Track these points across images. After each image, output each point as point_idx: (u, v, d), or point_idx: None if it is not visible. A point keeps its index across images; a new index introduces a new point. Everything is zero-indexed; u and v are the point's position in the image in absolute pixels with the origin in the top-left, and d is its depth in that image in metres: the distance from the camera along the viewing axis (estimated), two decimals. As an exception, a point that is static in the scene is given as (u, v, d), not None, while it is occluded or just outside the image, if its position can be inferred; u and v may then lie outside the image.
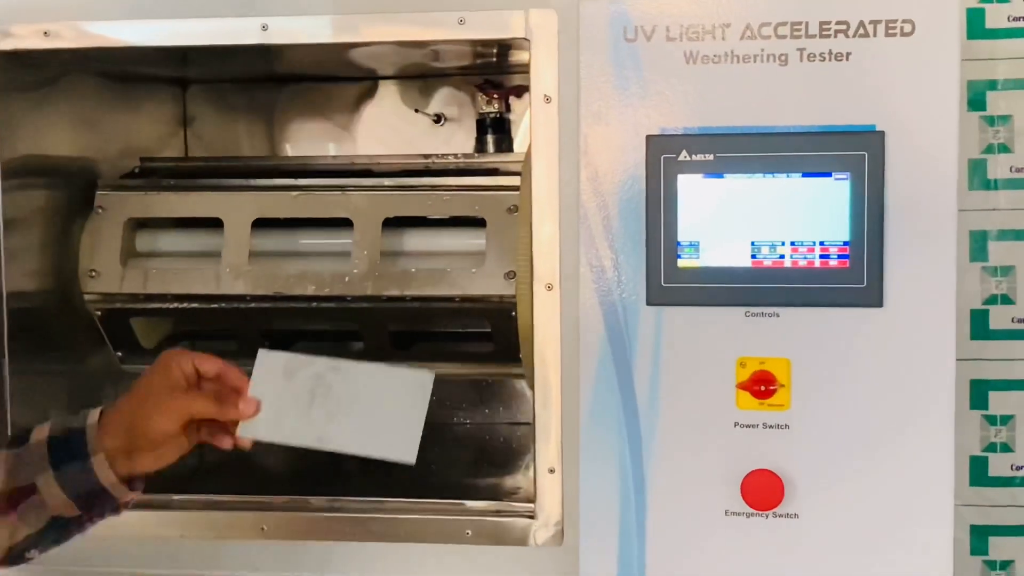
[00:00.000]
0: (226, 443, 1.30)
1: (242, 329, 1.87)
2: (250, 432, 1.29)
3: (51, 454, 1.23)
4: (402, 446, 1.32)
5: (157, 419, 1.24)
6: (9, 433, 1.50)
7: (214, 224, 1.76)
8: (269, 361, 1.31)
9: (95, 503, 1.25)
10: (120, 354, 1.84)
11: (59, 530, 1.26)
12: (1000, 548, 2.12)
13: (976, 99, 1.79)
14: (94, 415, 1.25)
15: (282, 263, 1.76)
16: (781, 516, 1.32)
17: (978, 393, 2.03)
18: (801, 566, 1.32)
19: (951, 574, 1.31)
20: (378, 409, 1.32)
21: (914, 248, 1.28)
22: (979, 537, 2.10)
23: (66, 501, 1.23)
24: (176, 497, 1.60)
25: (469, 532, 1.50)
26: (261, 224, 1.75)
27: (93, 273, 1.76)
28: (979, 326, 2.02)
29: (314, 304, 1.73)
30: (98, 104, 1.89)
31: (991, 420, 2.08)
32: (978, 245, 1.84)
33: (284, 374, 1.31)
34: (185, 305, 1.72)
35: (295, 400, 1.31)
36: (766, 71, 1.29)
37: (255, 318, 1.81)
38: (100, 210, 1.78)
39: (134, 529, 1.58)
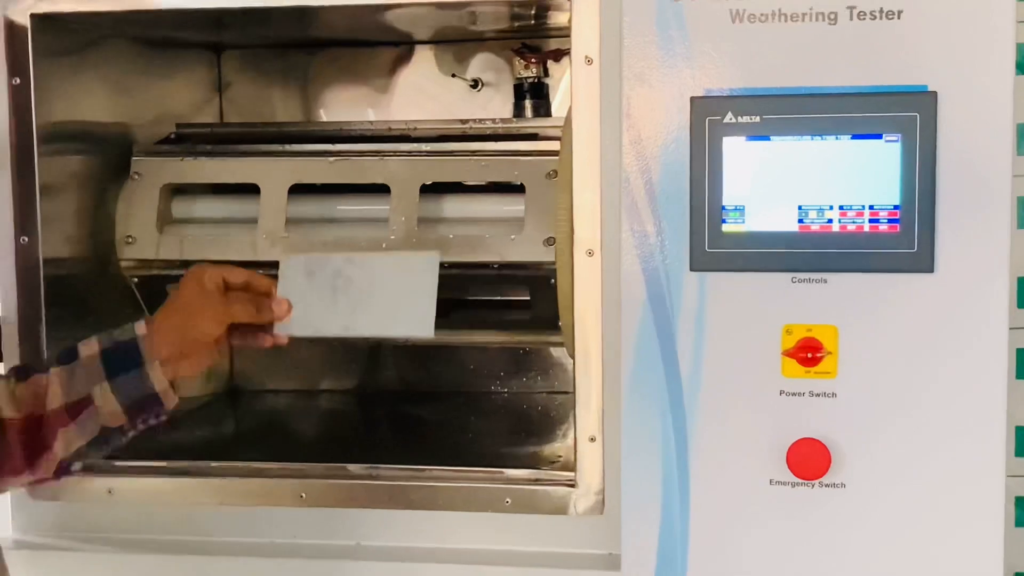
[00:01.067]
0: (266, 342, 1.42)
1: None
2: (284, 329, 1.41)
3: (106, 365, 1.29)
4: (419, 323, 1.43)
5: (203, 325, 1.33)
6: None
7: (250, 190, 1.75)
8: (292, 265, 1.44)
9: (144, 410, 1.32)
10: (157, 320, 1.83)
11: (104, 440, 1.32)
12: (1046, 520, 2.09)
13: (1025, 63, 1.75)
14: (141, 327, 1.32)
15: (319, 229, 1.74)
16: (827, 486, 1.29)
17: (1026, 363, 2.00)
18: (848, 536, 1.29)
19: (1001, 545, 1.28)
20: (394, 293, 1.44)
21: (967, 212, 1.25)
22: (1025, 508, 2.07)
23: (117, 410, 1.29)
24: (214, 464, 1.60)
25: (508, 501, 1.49)
26: (297, 190, 1.74)
27: (129, 239, 1.75)
28: (1027, 294, 1.98)
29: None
30: (134, 70, 1.88)
31: (1038, 390, 2.04)
32: (1029, 214, 1.80)
33: (306, 274, 1.44)
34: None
35: (319, 296, 1.43)
36: (814, 30, 1.26)
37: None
38: (136, 176, 1.77)
39: (173, 497, 1.59)
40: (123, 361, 1.30)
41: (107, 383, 1.29)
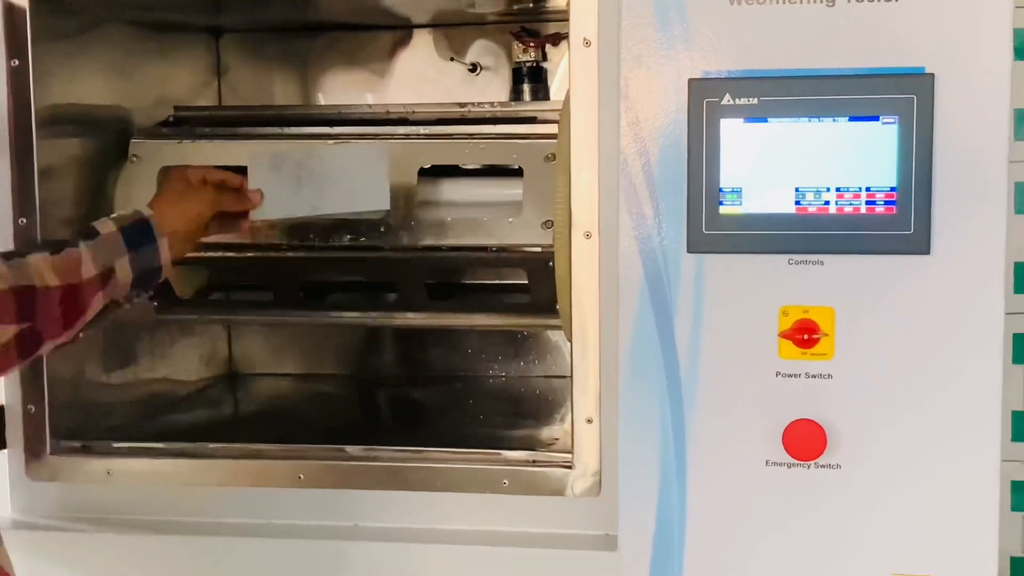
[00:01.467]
0: (244, 227, 1.62)
1: (277, 279, 1.87)
2: (260, 215, 1.60)
3: (126, 240, 1.45)
4: (376, 200, 1.65)
5: (198, 208, 1.53)
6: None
7: (249, 173, 1.75)
8: (258, 162, 1.61)
9: (143, 283, 1.48)
10: (156, 304, 1.84)
11: (105, 309, 1.45)
12: (1041, 505, 2.10)
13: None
14: (148, 210, 1.50)
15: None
16: (823, 467, 1.30)
17: (1022, 348, 2.01)
18: (842, 516, 1.30)
19: (996, 527, 1.29)
20: (352, 178, 1.65)
21: (963, 195, 1.25)
22: (1020, 493, 2.08)
23: (127, 282, 1.45)
24: (213, 446, 1.60)
25: (506, 482, 1.49)
26: (297, 172, 1.74)
27: (128, 222, 1.75)
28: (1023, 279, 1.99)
29: (349, 254, 1.72)
30: (132, 53, 1.88)
31: (1035, 375, 2.05)
32: (1024, 197, 1.80)
33: (272, 168, 1.61)
34: (220, 255, 1.71)
35: (286, 185, 1.61)
36: (812, 12, 1.26)
37: (290, 268, 1.80)
38: (134, 159, 1.77)
39: (171, 478, 1.59)
40: (140, 237, 1.46)
41: (128, 255, 1.44)
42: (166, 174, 1.61)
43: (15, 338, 1.30)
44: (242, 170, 1.72)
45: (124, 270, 1.44)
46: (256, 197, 1.59)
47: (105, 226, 1.45)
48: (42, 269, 1.34)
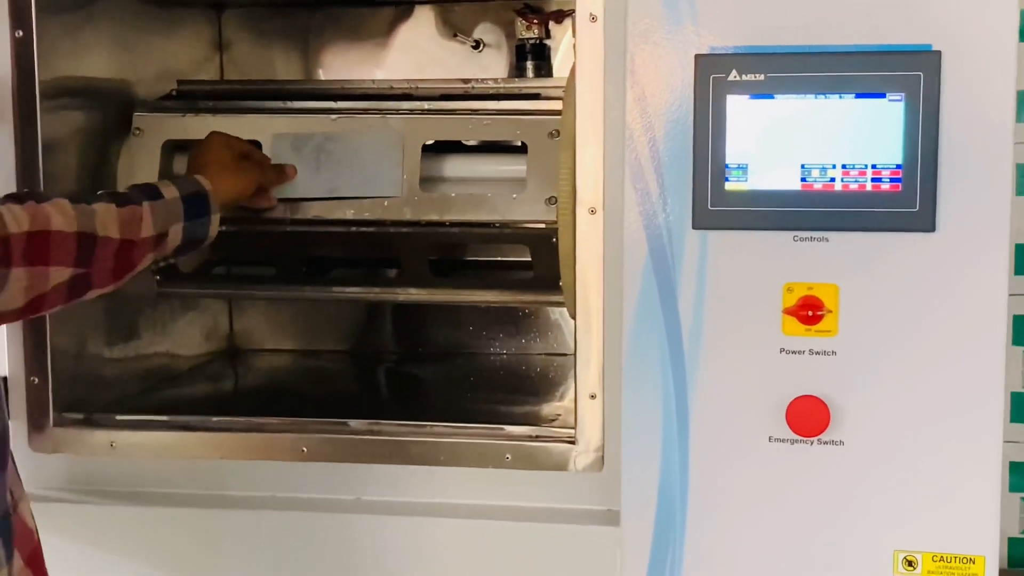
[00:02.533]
0: (270, 202, 1.71)
1: (280, 254, 1.87)
2: (280, 193, 1.70)
3: (185, 208, 1.52)
4: (389, 186, 1.70)
5: (245, 184, 1.63)
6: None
7: (252, 147, 1.75)
8: (280, 142, 1.72)
9: (187, 249, 1.56)
10: (158, 278, 1.84)
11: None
12: (1040, 485, 2.11)
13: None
14: (206, 182, 1.56)
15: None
16: (826, 443, 1.30)
17: (1021, 329, 2.01)
18: (845, 493, 1.30)
19: (998, 505, 1.29)
20: (367, 163, 1.71)
21: (969, 172, 1.25)
22: (1019, 474, 2.08)
23: (175, 246, 1.52)
24: (216, 419, 1.61)
25: (508, 457, 1.50)
26: (299, 147, 1.74)
27: (131, 195, 1.75)
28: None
29: (352, 229, 1.72)
30: (135, 27, 1.87)
31: (1033, 356, 2.06)
32: (1026, 178, 1.80)
33: (293, 149, 1.71)
34: (222, 229, 1.71)
35: (305, 166, 1.71)
36: (820, -12, 1.26)
37: (293, 243, 1.80)
38: (137, 132, 1.77)
39: (174, 451, 1.60)
40: (198, 208, 1.53)
41: (183, 223, 1.51)
42: (208, 141, 1.65)
43: (68, 281, 1.34)
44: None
45: (176, 236, 1.50)
46: (292, 172, 1.69)
47: (168, 190, 1.50)
48: (106, 219, 1.39)
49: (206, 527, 1.56)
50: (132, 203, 1.45)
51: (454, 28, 2.10)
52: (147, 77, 1.89)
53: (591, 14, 1.40)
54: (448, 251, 1.89)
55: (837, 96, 1.26)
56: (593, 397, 1.46)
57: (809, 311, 1.29)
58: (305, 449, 1.54)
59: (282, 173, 1.72)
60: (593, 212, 1.43)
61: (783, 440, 1.31)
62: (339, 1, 2.12)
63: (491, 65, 2.10)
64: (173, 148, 1.79)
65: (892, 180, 1.26)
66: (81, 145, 1.72)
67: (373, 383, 2.07)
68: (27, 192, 1.47)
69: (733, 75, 1.28)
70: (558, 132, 1.58)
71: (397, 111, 1.74)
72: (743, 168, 1.29)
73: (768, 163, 1.29)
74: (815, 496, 1.31)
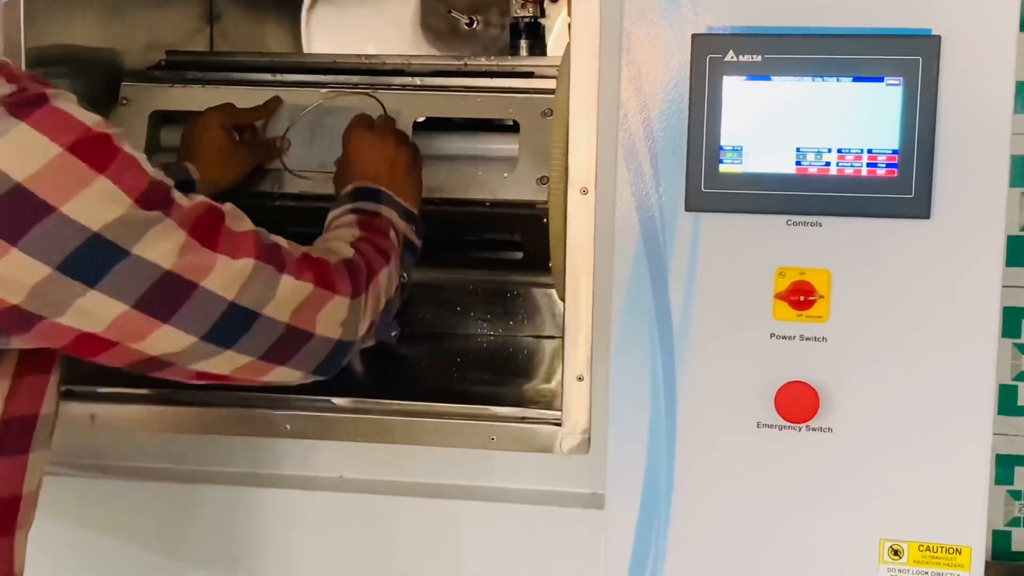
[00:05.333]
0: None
1: (269, 229, 1.85)
2: (273, 165, 1.71)
3: None
4: None
5: (237, 172, 1.62)
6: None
7: (241, 120, 1.73)
8: (276, 114, 1.72)
9: None
10: (143, 250, 1.82)
11: None
12: (1025, 478, 2.11)
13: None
14: (194, 170, 1.55)
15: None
16: (814, 429, 1.29)
17: (1011, 321, 2.01)
18: (832, 480, 1.29)
19: (986, 496, 1.29)
20: None
21: (965, 160, 1.24)
22: (1005, 467, 2.09)
23: None
24: (199, 393, 1.58)
25: (494, 438, 1.49)
26: (289, 121, 1.73)
27: (117, 166, 1.73)
28: (1015, 252, 1.99)
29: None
30: (125, -4, 1.85)
31: (1022, 349, 2.06)
32: (1019, 170, 1.79)
33: (288, 119, 1.72)
34: (210, 202, 1.70)
35: (300, 139, 1.71)
36: (820, -33, 1.24)
37: (282, 218, 1.78)
38: (125, 102, 1.75)
39: (156, 424, 1.58)
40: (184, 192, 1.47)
41: None
42: (204, 121, 1.63)
43: None
44: None
45: None
46: (285, 145, 1.68)
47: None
48: None
49: (186, 502, 1.55)
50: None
51: (448, 4, 2.08)
52: (136, 47, 1.87)
53: (587, -9, 1.38)
54: (436, 230, 1.87)
55: (834, 79, 1.25)
56: (580, 379, 1.44)
57: (801, 296, 1.28)
58: (288, 426, 1.53)
59: (273, 150, 1.70)
60: (585, 192, 1.41)
61: (771, 426, 1.30)
62: (332, -24, 2.10)
63: (484, 42, 2.08)
64: (161, 119, 1.77)
65: (888, 166, 1.25)
66: (67, 114, 1.69)
67: (358, 362, 2.05)
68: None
69: (730, 56, 1.27)
70: (551, 111, 1.57)
71: (389, 86, 1.72)
72: (738, 150, 1.28)
73: (763, 146, 1.27)
74: (802, 483, 1.30)
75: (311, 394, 1.57)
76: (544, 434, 1.47)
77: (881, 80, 1.24)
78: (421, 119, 1.69)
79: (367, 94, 1.71)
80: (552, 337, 2.03)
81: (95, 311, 0.97)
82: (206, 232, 1.03)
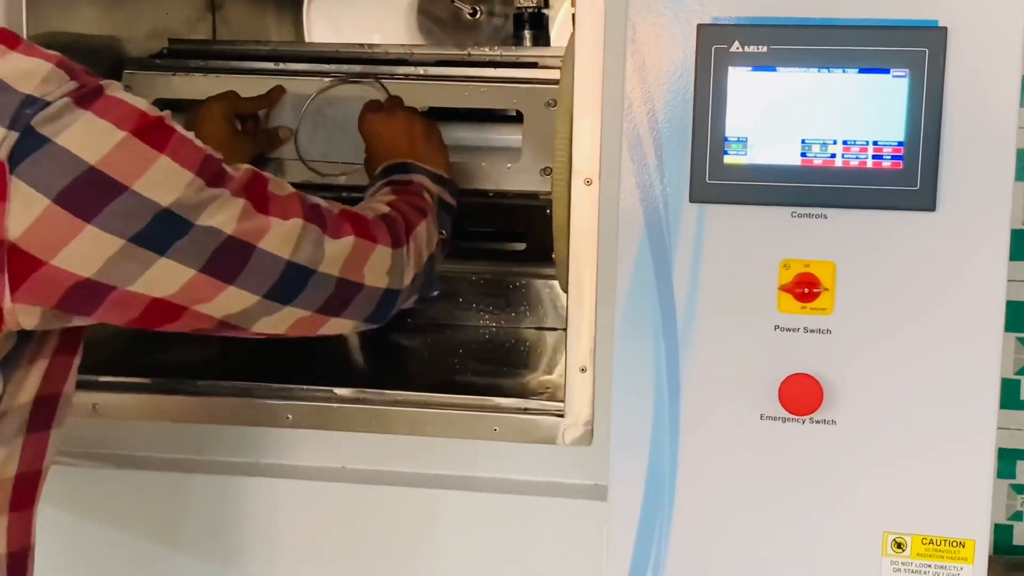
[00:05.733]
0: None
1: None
2: (275, 154, 1.72)
3: None
4: None
5: (238, 159, 1.55)
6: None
7: (243, 108, 1.72)
8: (281, 101, 1.72)
9: None
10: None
11: None
12: (1027, 472, 2.11)
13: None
14: None
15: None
16: (818, 422, 1.28)
17: (1014, 315, 2.00)
18: (836, 472, 1.29)
19: (990, 490, 1.28)
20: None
21: (971, 152, 1.23)
22: (1007, 460, 2.08)
23: None
24: (201, 383, 1.58)
25: (496, 429, 1.48)
26: (290, 110, 1.73)
27: (119, 154, 1.72)
28: (1020, 246, 1.98)
29: (344, 195, 1.70)
30: (127, -17, 1.85)
31: (1025, 343, 2.05)
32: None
33: (292, 109, 1.72)
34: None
35: (303, 128, 1.71)
36: (827, -41, 1.24)
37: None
38: (127, 90, 1.74)
39: (158, 414, 1.58)
40: None
41: None
42: (205, 113, 1.63)
43: None
44: None
45: None
46: (286, 134, 1.69)
47: None
48: None
49: (187, 491, 1.55)
50: None
51: (451, -6, 2.07)
52: (138, 35, 1.87)
53: (593, -19, 1.38)
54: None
55: (840, 70, 1.24)
56: (584, 370, 1.44)
57: (805, 288, 1.27)
58: (291, 416, 1.52)
59: (275, 139, 1.70)
60: (589, 183, 1.40)
61: (775, 418, 1.30)
62: (335, -36, 2.10)
63: (488, 32, 2.08)
64: (162, 107, 1.75)
65: (893, 158, 1.24)
66: (69, 102, 1.69)
67: (360, 353, 2.04)
68: None
69: (735, 46, 1.26)
70: (555, 102, 1.56)
71: (392, 76, 1.72)
72: (743, 141, 1.27)
73: (768, 137, 1.27)
74: (806, 475, 1.30)
75: (313, 384, 1.58)
76: (547, 425, 1.47)
77: (887, 72, 1.23)
78: (424, 109, 1.69)
79: (370, 82, 1.70)
80: (554, 329, 2.02)
81: (165, 278, 1.04)
82: (258, 198, 1.10)
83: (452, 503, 1.50)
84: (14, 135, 0.94)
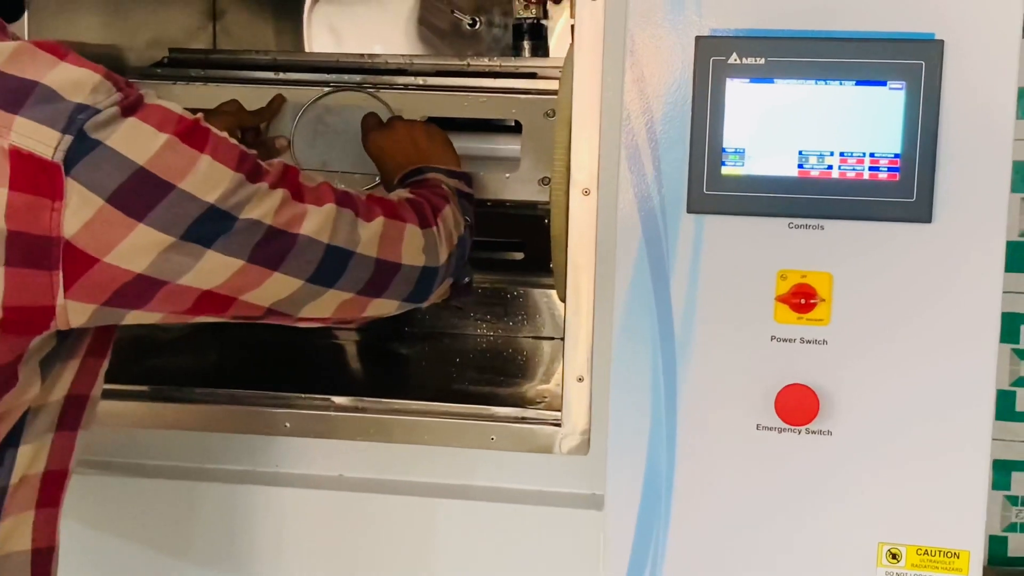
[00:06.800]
0: None
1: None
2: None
3: None
4: None
5: None
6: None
7: (243, 118, 1.73)
8: (281, 113, 1.73)
9: None
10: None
11: None
12: (1022, 483, 2.11)
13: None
14: None
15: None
16: (814, 432, 1.29)
17: (1009, 326, 2.01)
18: (831, 482, 1.29)
19: (985, 501, 1.29)
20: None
21: (968, 164, 1.24)
22: (1002, 472, 2.09)
23: None
24: (199, 390, 1.59)
25: (493, 437, 1.49)
26: (291, 119, 1.73)
27: (119, 163, 1.73)
28: (1014, 258, 1.99)
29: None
30: (128, -7, 1.85)
31: (1020, 354, 2.06)
32: (1021, 175, 1.80)
33: (291, 118, 1.72)
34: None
35: (302, 136, 1.72)
36: (824, -28, 1.24)
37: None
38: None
39: (156, 421, 1.58)
40: None
41: None
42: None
43: None
44: None
45: None
46: (283, 144, 1.71)
47: None
48: None
49: (186, 499, 1.55)
50: None
51: (451, 5, 2.08)
52: (138, 44, 1.87)
53: (591, -8, 1.38)
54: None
55: (837, 83, 1.25)
56: (581, 380, 1.44)
57: (802, 299, 1.28)
58: (288, 424, 1.53)
59: (272, 150, 1.72)
60: (587, 193, 1.41)
61: (771, 428, 1.30)
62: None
63: (487, 43, 2.08)
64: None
65: (890, 169, 1.25)
66: (70, 110, 1.69)
67: (357, 361, 2.05)
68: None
69: (733, 58, 1.27)
70: (554, 112, 1.57)
71: (391, 86, 1.72)
72: (740, 153, 1.28)
73: (765, 148, 1.28)
74: (802, 485, 1.31)
75: (311, 392, 1.58)
76: (544, 434, 1.47)
77: (884, 84, 1.24)
78: (423, 118, 1.69)
79: (364, 90, 1.71)
80: (551, 338, 2.03)
81: (214, 270, 1.09)
82: (293, 188, 1.15)
83: (449, 512, 1.50)
84: (68, 138, 0.98)
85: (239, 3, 2.13)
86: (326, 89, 1.73)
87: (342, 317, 1.26)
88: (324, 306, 1.21)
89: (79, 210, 1.00)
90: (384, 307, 1.30)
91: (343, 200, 1.21)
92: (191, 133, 1.05)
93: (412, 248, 1.29)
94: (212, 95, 1.75)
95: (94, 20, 1.76)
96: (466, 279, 1.48)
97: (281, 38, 2.15)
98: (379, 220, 1.25)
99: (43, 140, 0.98)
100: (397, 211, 1.29)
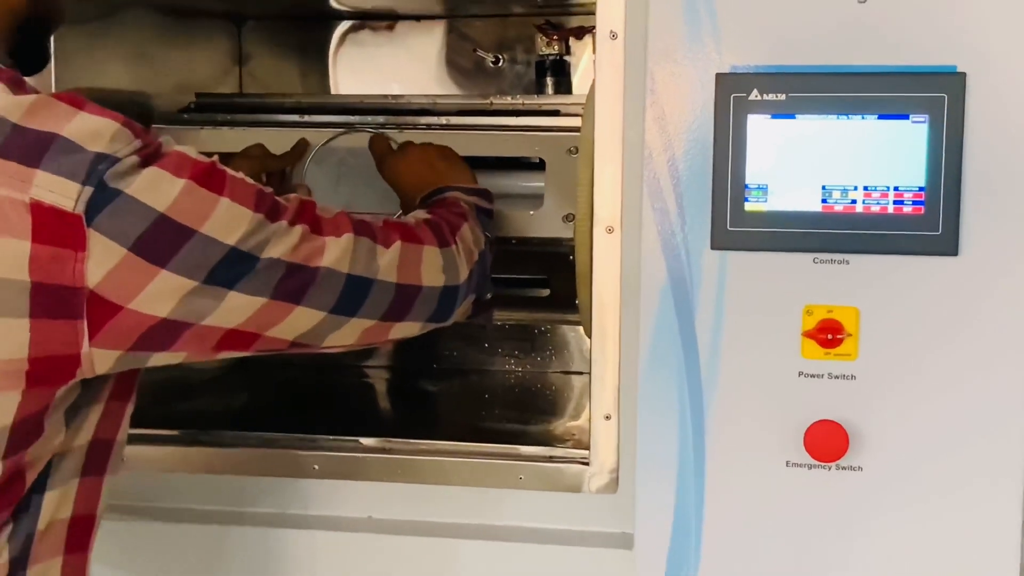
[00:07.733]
0: None
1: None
2: None
3: None
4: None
5: None
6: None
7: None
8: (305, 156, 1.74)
9: None
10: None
11: None
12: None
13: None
14: None
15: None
16: (844, 468, 1.28)
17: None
18: (863, 519, 1.28)
19: (1019, 538, 1.27)
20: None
21: (992, 196, 1.23)
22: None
23: None
24: (228, 434, 1.59)
25: (521, 477, 1.48)
26: (316, 161, 1.74)
27: (148, 208, 1.75)
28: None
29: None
30: (154, 39, 1.87)
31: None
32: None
33: (315, 162, 1.73)
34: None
35: (325, 179, 1.72)
36: (843, 6, 1.24)
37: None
38: (161, 144, 1.77)
39: (186, 465, 1.58)
40: None
41: None
42: (234, 168, 1.65)
43: None
44: None
45: None
46: (304, 193, 1.64)
47: None
48: None
49: (215, 543, 1.55)
50: None
51: (474, 44, 2.09)
52: (165, 89, 1.89)
53: (611, 31, 1.39)
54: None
55: (859, 117, 1.25)
56: (608, 418, 1.44)
57: (828, 334, 1.27)
58: (317, 466, 1.53)
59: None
60: (611, 231, 1.41)
61: (801, 465, 1.29)
62: (358, 15, 2.12)
63: (510, 81, 2.09)
64: (190, 161, 1.78)
65: (915, 203, 1.24)
66: (98, 157, 1.71)
67: (386, 400, 2.05)
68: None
69: (754, 94, 1.27)
70: (576, 149, 1.57)
71: (415, 126, 1.73)
72: (763, 188, 1.28)
73: (788, 184, 1.27)
74: (832, 522, 1.29)
75: (340, 434, 1.58)
76: (572, 473, 1.47)
77: (907, 118, 1.24)
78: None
79: (383, 132, 1.72)
80: (580, 373, 2.02)
81: (237, 309, 1.10)
82: (311, 222, 1.16)
83: (478, 553, 1.49)
84: (89, 189, 0.99)
85: (264, 47, 2.15)
86: (338, 130, 1.74)
87: (367, 342, 1.27)
88: (347, 334, 1.22)
89: (102, 259, 1.01)
90: (408, 329, 1.30)
91: (360, 229, 1.22)
92: (209, 176, 1.06)
93: (432, 269, 1.29)
94: (238, 139, 1.76)
95: (120, 67, 1.78)
96: (488, 295, 1.48)
97: (307, 80, 2.17)
98: (397, 245, 1.25)
99: (64, 193, 0.99)
100: (415, 234, 1.29)
